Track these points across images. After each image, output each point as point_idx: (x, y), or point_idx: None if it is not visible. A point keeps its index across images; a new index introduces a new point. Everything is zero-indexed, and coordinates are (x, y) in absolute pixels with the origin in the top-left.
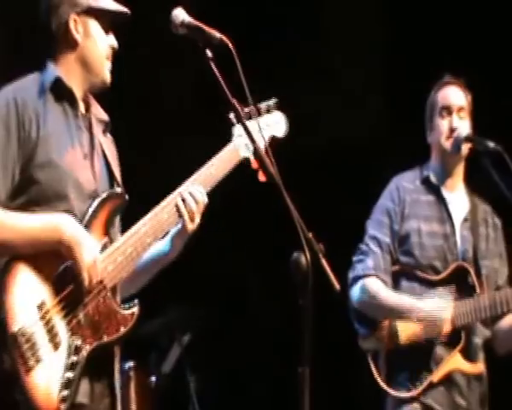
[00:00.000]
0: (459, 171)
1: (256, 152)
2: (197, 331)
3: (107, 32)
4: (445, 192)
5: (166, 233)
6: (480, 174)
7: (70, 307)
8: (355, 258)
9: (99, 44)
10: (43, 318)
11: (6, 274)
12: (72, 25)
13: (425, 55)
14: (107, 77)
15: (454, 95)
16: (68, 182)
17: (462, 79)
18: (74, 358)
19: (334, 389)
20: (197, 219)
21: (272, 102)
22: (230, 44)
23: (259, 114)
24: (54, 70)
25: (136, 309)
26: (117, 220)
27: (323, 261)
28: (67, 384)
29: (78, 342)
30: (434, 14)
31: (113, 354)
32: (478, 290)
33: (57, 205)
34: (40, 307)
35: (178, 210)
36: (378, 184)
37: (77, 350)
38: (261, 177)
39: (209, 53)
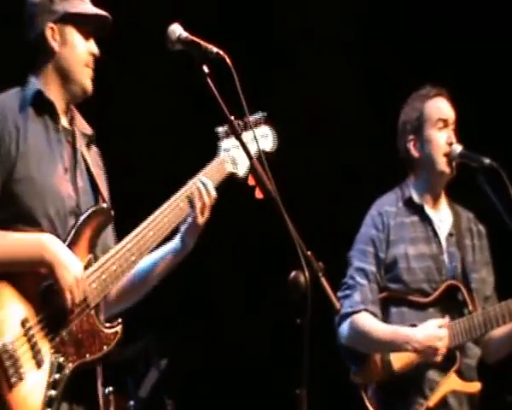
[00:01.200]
0: (443, 188)
1: (253, 167)
2: (174, 355)
3: (87, 38)
4: (429, 210)
5: (151, 250)
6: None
7: (53, 325)
8: (340, 294)
9: (77, 52)
10: (25, 334)
11: None
12: (48, 34)
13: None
14: (88, 85)
15: (448, 107)
16: (48, 198)
17: (446, 91)
18: (57, 376)
19: None
20: (207, 214)
21: (260, 115)
22: (227, 58)
23: (247, 127)
24: (34, 83)
25: (119, 328)
26: (107, 235)
27: (323, 280)
28: (50, 402)
29: (61, 359)
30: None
31: (95, 376)
32: (470, 307)
33: (37, 221)
34: (23, 323)
35: (191, 201)
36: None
37: (59, 368)
38: (258, 194)
39: (205, 68)
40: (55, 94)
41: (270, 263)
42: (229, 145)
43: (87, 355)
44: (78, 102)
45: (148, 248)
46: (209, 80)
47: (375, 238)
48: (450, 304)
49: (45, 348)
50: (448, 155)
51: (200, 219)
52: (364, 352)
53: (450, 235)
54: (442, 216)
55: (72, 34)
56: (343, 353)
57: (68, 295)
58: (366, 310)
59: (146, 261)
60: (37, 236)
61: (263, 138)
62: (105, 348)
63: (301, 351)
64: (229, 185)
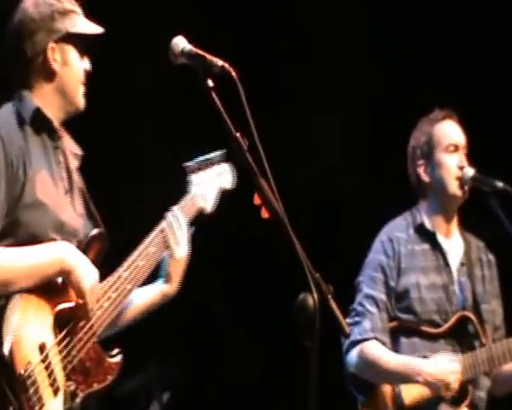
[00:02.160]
0: (455, 213)
1: (259, 186)
2: (177, 389)
3: (82, 55)
4: (441, 238)
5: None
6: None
7: (67, 350)
8: (349, 320)
9: (76, 72)
10: (44, 360)
11: (9, 312)
12: (49, 53)
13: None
14: (82, 102)
15: (458, 131)
16: (53, 222)
17: (456, 115)
18: (70, 405)
19: None
20: (184, 247)
21: (220, 152)
22: (233, 72)
23: (208, 165)
24: (31, 100)
25: (119, 358)
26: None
27: (332, 303)
28: None
29: (73, 388)
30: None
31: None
32: (481, 338)
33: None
34: (41, 348)
35: (164, 237)
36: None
37: (72, 397)
38: (264, 214)
39: (210, 82)
40: (51, 112)
41: (275, 291)
42: (198, 180)
43: (95, 385)
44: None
45: (142, 277)
46: (213, 95)
47: (384, 265)
48: (462, 335)
49: (60, 375)
50: (460, 179)
51: (177, 253)
52: (373, 381)
53: (462, 264)
54: (454, 245)
55: (72, 54)
56: (350, 381)
57: (88, 299)
58: (376, 338)
59: (133, 296)
60: (54, 244)
61: (223, 176)
62: (109, 377)
63: (309, 375)
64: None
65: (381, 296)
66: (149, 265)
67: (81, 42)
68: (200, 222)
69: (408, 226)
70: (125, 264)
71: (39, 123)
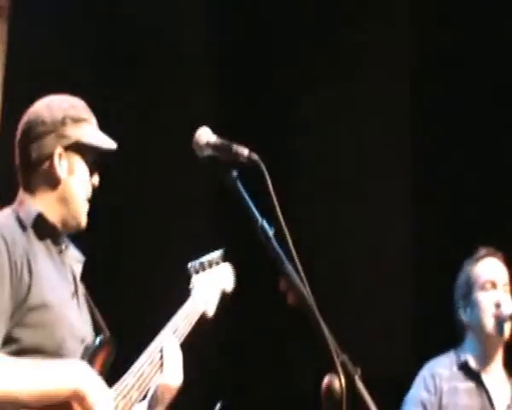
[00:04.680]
0: (499, 353)
1: (286, 272)
2: None
3: (92, 171)
4: (485, 378)
5: None
6: None
7: None
8: None
9: (81, 183)
10: None
11: None
12: (56, 159)
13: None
14: (84, 221)
15: (498, 268)
16: (62, 324)
17: (500, 253)
18: None
19: None
20: (172, 376)
21: (220, 251)
22: (261, 162)
23: (204, 269)
24: (33, 205)
25: None
26: None
27: (360, 384)
28: None
29: None
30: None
31: None
32: None
33: (53, 351)
34: None
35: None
36: None
37: None
38: (290, 300)
39: (235, 173)
40: (53, 219)
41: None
42: (200, 282)
43: None
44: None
45: (148, 384)
46: (239, 185)
47: (426, 402)
48: None
49: None
50: (497, 317)
51: (163, 382)
52: None
53: (509, 407)
54: (499, 385)
55: (79, 164)
56: None
57: None
58: None
59: None
60: (70, 361)
61: (224, 277)
62: None
63: None
64: None
65: None
66: (154, 373)
67: (91, 154)
68: (201, 326)
69: (451, 364)
70: (132, 370)
71: (42, 228)
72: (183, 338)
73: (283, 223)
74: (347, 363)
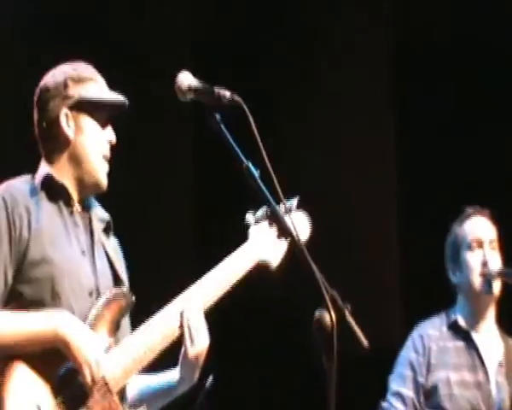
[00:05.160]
0: (491, 312)
1: (272, 211)
2: None
3: (103, 125)
4: (476, 336)
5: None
6: None
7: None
8: None
9: (93, 140)
10: None
11: (3, 375)
12: (63, 120)
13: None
14: (103, 179)
15: (484, 226)
16: (64, 279)
17: (487, 210)
18: None
19: None
20: (199, 342)
21: (295, 200)
22: (243, 103)
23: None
24: (45, 168)
25: None
26: (125, 321)
27: (350, 318)
28: None
29: None
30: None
31: None
32: None
33: (54, 304)
34: (39, 408)
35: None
36: None
37: None
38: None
39: (218, 116)
40: (67, 181)
41: None
42: (259, 229)
43: None
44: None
45: (161, 344)
46: (223, 128)
47: (414, 362)
48: None
49: None
50: (484, 275)
51: (191, 352)
52: None
53: (500, 365)
54: (491, 343)
55: (88, 122)
56: None
57: (86, 371)
58: None
59: (150, 387)
60: (54, 314)
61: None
62: None
63: (327, 394)
64: None
65: (409, 393)
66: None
67: (100, 111)
68: (260, 276)
69: (441, 324)
70: (145, 327)
71: (51, 189)
72: (220, 294)
73: (268, 163)
74: (337, 298)
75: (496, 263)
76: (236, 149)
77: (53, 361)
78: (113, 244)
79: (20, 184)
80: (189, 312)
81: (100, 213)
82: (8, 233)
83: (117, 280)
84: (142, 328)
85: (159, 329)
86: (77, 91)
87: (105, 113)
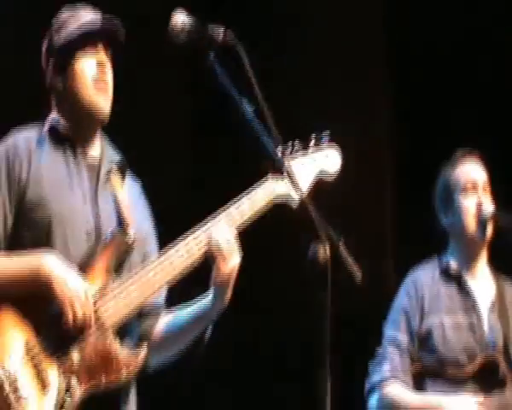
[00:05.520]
0: (483, 254)
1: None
2: None
3: (91, 51)
4: (469, 279)
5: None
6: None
7: (61, 347)
8: (372, 364)
9: (82, 79)
10: (29, 359)
11: None
12: (50, 69)
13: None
14: (100, 106)
15: (477, 169)
16: (61, 222)
17: (477, 153)
18: (66, 398)
19: None
20: (232, 259)
21: (324, 135)
22: (237, 40)
23: (305, 147)
24: (51, 116)
25: (143, 352)
26: (130, 261)
27: (343, 251)
28: None
29: (72, 382)
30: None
31: (120, 399)
32: (509, 382)
33: (51, 246)
34: (26, 347)
35: (209, 250)
36: None
37: (68, 391)
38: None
39: (212, 55)
40: (72, 125)
41: None
42: (299, 162)
43: (102, 379)
44: (100, 127)
45: (173, 272)
46: (217, 67)
47: (407, 308)
48: (489, 378)
49: (52, 371)
50: (478, 218)
51: (224, 267)
52: None
53: (493, 306)
54: (483, 285)
55: (74, 62)
56: None
57: (69, 311)
58: (396, 378)
59: (181, 319)
60: (36, 255)
61: (324, 160)
62: (124, 372)
63: (322, 326)
64: None
65: (403, 338)
66: (181, 265)
67: (80, 42)
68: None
69: (434, 269)
70: (156, 258)
71: (57, 135)
72: (241, 222)
73: (261, 99)
74: (331, 232)
75: (489, 206)
76: (231, 86)
77: (39, 302)
78: (129, 185)
79: (27, 132)
80: (218, 232)
81: (111, 156)
82: (6, 178)
83: (121, 221)
84: (145, 267)
85: (175, 254)
86: (57, 38)
87: (89, 39)
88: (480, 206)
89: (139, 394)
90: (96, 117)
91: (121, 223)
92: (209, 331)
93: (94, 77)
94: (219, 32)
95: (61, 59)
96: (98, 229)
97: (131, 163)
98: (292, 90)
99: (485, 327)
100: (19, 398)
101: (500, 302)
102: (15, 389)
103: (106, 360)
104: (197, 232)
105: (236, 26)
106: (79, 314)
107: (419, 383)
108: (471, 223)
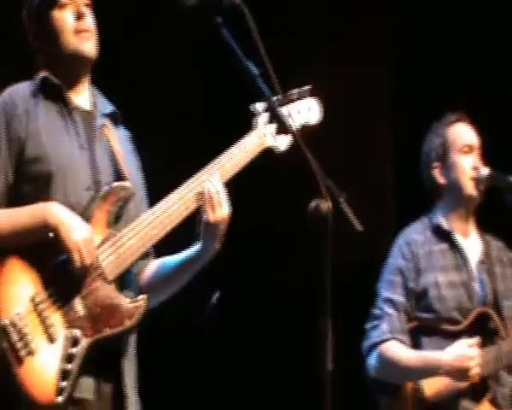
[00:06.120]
0: (472, 213)
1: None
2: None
3: (60, 8)
4: (458, 237)
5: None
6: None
7: (66, 299)
8: (368, 325)
9: (61, 30)
10: (35, 309)
11: None
12: (32, 29)
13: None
14: (84, 48)
15: (471, 132)
16: (60, 175)
17: (469, 118)
18: (72, 350)
19: None
20: (220, 210)
21: (305, 88)
22: (243, 3)
23: (290, 101)
24: (42, 72)
25: (143, 303)
26: (130, 212)
27: (344, 205)
28: (65, 376)
29: (77, 333)
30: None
31: (120, 351)
32: (502, 334)
33: (52, 197)
34: (33, 298)
35: (200, 199)
36: None
37: (75, 342)
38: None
39: (219, 19)
40: (62, 76)
41: None
42: (266, 119)
43: (106, 330)
44: (90, 70)
45: (171, 223)
46: (224, 30)
47: (403, 268)
48: (482, 332)
49: (59, 322)
50: (475, 179)
51: (212, 217)
52: (394, 382)
53: (481, 262)
54: (472, 243)
55: (51, 17)
56: (372, 385)
57: (76, 256)
58: (394, 339)
59: (170, 263)
60: (41, 204)
61: (307, 111)
62: (127, 322)
63: (323, 282)
64: None
65: (400, 298)
66: (178, 215)
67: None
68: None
69: (425, 228)
70: (153, 210)
71: (50, 90)
72: (232, 173)
73: (266, 60)
74: (332, 187)
75: (484, 168)
76: (237, 49)
77: (44, 255)
78: (121, 136)
79: (22, 88)
80: (209, 181)
81: (104, 106)
82: (6, 135)
83: (119, 174)
84: (140, 217)
85: (171, 205)
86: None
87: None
88: (476, 168)
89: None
90: (83, 61)
91: (118, 175)
92: (216, 296)
93: (75, 28)
94: None
95: (41, 15)
96: (97, 181)
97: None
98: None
99: (476, 283)
100: (26, 347)
101: (487, 258)
102: (22, 339)
103: (109, 312)
104: (191, 181)
105: None
106: (86, 259)
107: (415, 340)
108: (468, 183)
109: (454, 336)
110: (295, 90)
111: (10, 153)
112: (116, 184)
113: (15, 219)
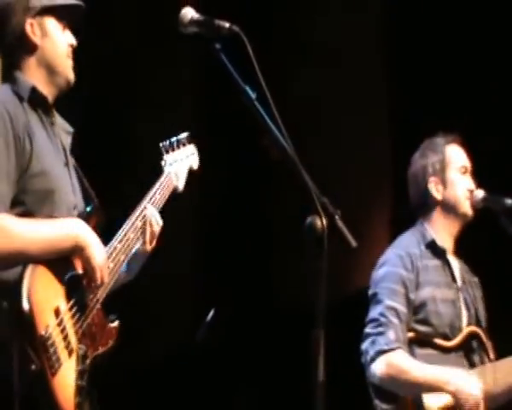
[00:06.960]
0: (460, 232)
1: (266, 128)
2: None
3: (63, 29)
4: (449, 255)
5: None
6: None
7: (78, 315)
8: (373, 331)
9: (58, 42)
10: (59, 324)
11: (27, 277)
12: (28, 29)
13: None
14: (72, 76)
15: (465, 155)
16: (57, 192)
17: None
18: (82, 366)
19: None
20: (154, 243)
21: (184, 135)
22: (241, 33)
23: (173, 149)
24: (26, 81)
25: (117, 324)
26: None
27: (339, 222)
28: (80, 391)
29: (83, 350)
30: None
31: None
32: (490, 354)
33: (50, 215)
34: (56, 312)
35: (143, 231)
36: None
37: (83, 359)
38: (272, 155)
39: (218, 45)
40: (42, 88)
41: None
42: (171, 160)
43: (100, 348)
44: (60, 95)
45: (132, 248)
46: (222, 56)
47: (405, 279)
48: (470, 350)
49: (72, 336)
50: (470, 200)
51: (148, 247)
52: (398, 392)
53: (463, 282)
54: (455, 263)
55: (52, 25)
56: (373, 391)
57: (98, 274)
58: (401, 349)
59: None
60: (68, 221)
61: (191, 156)
62: (110, 342)
63: (317, 294)
64: None
65: (402, 309)
66: (136, 238)
67: (62, 15)
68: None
69: (419, 243)
70: (118, 236)
71: (36, 101)
72: (158, 208)
73: (264, 86)
74: (328, 204)
75: (479, 191)
76: (235, 74)
77: (59, 269)
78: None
79: (9, 97)
80: (150, 211)
81: (65, 126)
82: (14, 146)
83: (90, 199)
84: (111, 242)
85: (124, 240)
86: (39, 1)
87: (63, 17)
88: (471, 190)
89: None
90: (67, 87)
91: (88, 198)
92: (211, 315)
93: (67, 53)
94: (225, 24)
95: (42, 17)
96: (76, 201)
97: None
98: None
99: (462, 302)
100: (58, 361)
101: (463, 279)
102: (55, 352)
103: (101, 331)
104: (137, 210)
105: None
106: (105, 279)
107: (409, 350)
108: (465, 203)
109: (445, 352)
110: (175, 138)
111: (17, 166)
112: (96, 205)
113: (42, 237)
